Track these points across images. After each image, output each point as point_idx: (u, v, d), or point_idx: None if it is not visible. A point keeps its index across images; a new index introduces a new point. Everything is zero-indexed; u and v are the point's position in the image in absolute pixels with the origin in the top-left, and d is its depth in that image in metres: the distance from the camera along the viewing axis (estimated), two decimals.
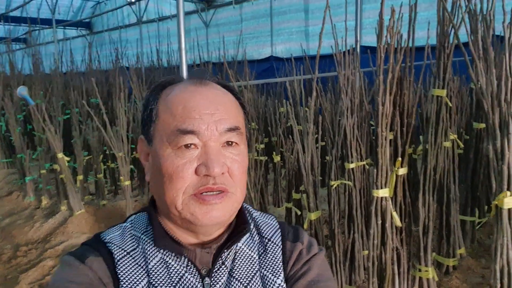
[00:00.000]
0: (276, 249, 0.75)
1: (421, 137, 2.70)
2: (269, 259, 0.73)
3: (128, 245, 0.69)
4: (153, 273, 0.66)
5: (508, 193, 1.49)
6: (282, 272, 0.73)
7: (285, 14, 8.00)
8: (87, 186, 4.53)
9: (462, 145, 2.78)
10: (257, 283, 0.70)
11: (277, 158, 3.73)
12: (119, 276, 0.66)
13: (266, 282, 0.71)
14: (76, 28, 13.10)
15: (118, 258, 0.67)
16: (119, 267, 0.66)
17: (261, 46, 8.55)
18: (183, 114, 0.67)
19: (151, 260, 0.67)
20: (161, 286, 0.66)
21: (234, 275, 0.69)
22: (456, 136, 2.74)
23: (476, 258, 2.71)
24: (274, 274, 0.72)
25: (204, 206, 0.65)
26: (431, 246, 2.40)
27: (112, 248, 0.69)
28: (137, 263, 0.67)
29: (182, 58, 2.36)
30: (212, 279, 0.67)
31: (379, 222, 1.79)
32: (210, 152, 0.66)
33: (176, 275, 0.67)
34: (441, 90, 2.24)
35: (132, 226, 0.73)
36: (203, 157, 0.65)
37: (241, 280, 0.69)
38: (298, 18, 7.71)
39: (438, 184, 2.52)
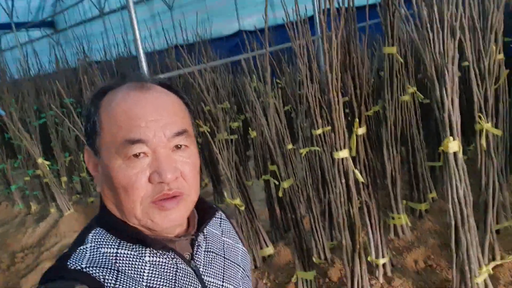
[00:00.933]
0: (229, 225, 0.91)
1: None
2: (228, 233, 0.89)
3: (113, 264, 0.66)
4: (152, 279, 0.67)
5: (451, 138, 1.62)
6: (239, 240, 0.91)
7: None
8: (73, 186, 4.61)
9: (422, 97, 2.90)
10: (227, 251, 0.84)
11: (253, 134, 3.83)
12: None
13: (232, 248, 0.86)
14: (39, 28, 12.78)
15: (112, 281, 0.64)
16: None
17: (228, 22, 8.48)
18: (128, 124, 0.66)
19: (144, 268, 0.68)
20: (163, 285, 0.68)
21: (208, 250, 0.79)
22: (415, 89, 2.85)
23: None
24: (236, 242, 0.89)
25: (163, 212, 0.67)
26: (400, 195, 2.57)
27: (98, 272, 0.64)
28: (132, 278, 0.66)
29: (138, 48, 2.41)
30: (195, 261, 0.75)
31: (343, 181, 1.92)
32: (160, 159, 0.66)
33: (171, 270, 0.70)
34: (391, 47, 2.34)
35: (97, 245, 0.68)
36: (154, 164, 0.66)
37: (215, 252, 0.80)
38: None
39: (402, 136, 2.66)
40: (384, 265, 2.27)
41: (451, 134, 1.63)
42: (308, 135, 2.87)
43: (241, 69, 4.82)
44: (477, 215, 2.11)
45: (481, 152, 2.04)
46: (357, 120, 2.08)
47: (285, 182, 2.25)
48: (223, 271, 0.79)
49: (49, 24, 12.76)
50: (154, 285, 0.67)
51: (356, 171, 1.95)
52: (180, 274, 0.71)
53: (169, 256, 0.71)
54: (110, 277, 0.64)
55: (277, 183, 2.79)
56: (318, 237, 2.52)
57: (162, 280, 0.68)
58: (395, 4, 2.22)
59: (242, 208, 2.54)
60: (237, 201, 2.54)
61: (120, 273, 0.65)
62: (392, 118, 2.40)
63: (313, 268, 2.35)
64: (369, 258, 2.24)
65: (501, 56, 2.56)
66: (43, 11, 12.25)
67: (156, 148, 0.66)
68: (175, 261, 0.71)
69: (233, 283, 0.80)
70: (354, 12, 2.02)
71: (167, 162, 0.66)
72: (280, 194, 2.26)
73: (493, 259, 2.11)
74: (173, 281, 0.69)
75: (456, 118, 1.67)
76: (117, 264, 0.66)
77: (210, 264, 0.77)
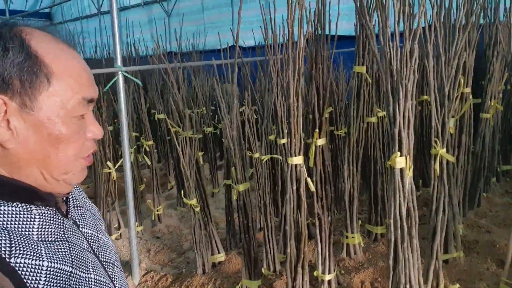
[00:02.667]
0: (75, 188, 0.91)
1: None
2: (78, 194, 0.88)
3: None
4: (42, 232, 0.66)
5: (399, 153, 1.63)
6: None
7: (245, 3, 8.07)
8: None
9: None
10: (87, 205, 0.87)
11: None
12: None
13: (88, 205, 0.89)
14: (36, 19, 12.73)
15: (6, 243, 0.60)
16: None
17: (222, 35, 8.58)
18: (87, 82, 0.68)
19: (34, 221, 0.66)
20: (54, 236, 0.68)
21: (77, 205, 0.82)
22: (384, 113, 2.89)
23: None
24: (86, 199, 0.91)
25: (86, 167, 0.72)
26: (356, 214, 2.56)
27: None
28: (23, 235, 0.63)
29: (116, 50, 2.42)
30: (69, 215, 0.77)
31: (294, 187, 1.91)
32: (92, 118, 0.71)
33: (59, 221, 0.70)
34: (361, 66, 2.38)
35: None
36: (90, 122, 0.70)
37: (82, 206, 0.83)
38: (257, 7, 7.77)
39: (365, 157, 2.68)
40: (329, 281, 2.24)
41: (400, 150, 1.64)
42: (272, 143, 2.88)
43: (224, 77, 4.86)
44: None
45: (434, 178, 2.06)
46: (317, 130, 2.08)
47: (240, 185, 2.23)
48: (94, 223, 0.83)
49: (46, 16, 12.73)
50: (46, 238, 0.66)
51: (308, 180, 1.94)
52: (67, 226, 0.71)
53: (53, 211, 0.70)
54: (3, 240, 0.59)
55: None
56: (269, 247, 2.49)
57: (52, 231, 0.67)
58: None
59: (197, 209, 2.51)
60: (193, 201, 2.50)
61: (11, 232, 0.61)
62: (356, 136, 2.42)
63: (259, 278, 2.31)
64: (315, 273, 2.22)
65: (468, 89, 2.62)
66: (42, 2, 12.23)
67: (90, 108, 0.71)
68: (59, 215, 0.71)
69: (104, 234, 0.85)
70: (324, 25, 2.06)
71: (96, 121, 0.72)
72: (234, 197, 2.24)
73: (437, 286, 2.10)
74: (62, 232, 0.69)
75: (409, 136, 1.68)
76: (5, 223, 0.62)
77: (82, 217, 0.80)
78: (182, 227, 3.37)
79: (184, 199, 2.51)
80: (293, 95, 1.81)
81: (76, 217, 0.78)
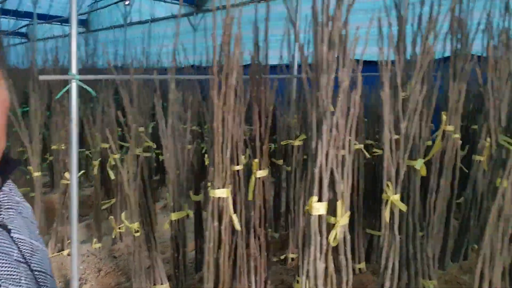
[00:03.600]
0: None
1: None
2: (13, 193, 0.79)
3: None
4: None
5: (316, 198, 1.38)
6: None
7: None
8: None
9: (367, 155, 2.66)
10: (20, 208, 0.76)
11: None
12: None
13: (22, 206, 0.77)
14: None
15: None
16: None
17: (246, 52, 8.50)
18: None
19: None
20: None
21: (8, 207, 0.72)
22: (362, 146, 2.63)
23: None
24: (20, 197, 0.80)
25: None
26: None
27: None
28: None
29: (72, 58, 2.31)
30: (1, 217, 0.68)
31: (215, 224, 1.68)
32: None
33: None
34: None
35: None
36: None
37: (13, 207, 0.73)
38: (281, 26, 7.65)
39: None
40: None
41: (320, 193, 1.39)
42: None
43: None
44: None
45: (385, 226, 1.77)
46: (256, 160, 1.86)
47: (173, 214, 2.02)
48: (27, 226, 0.73)
49: (82, 23, 13.18)
50: None
51: (234, 216, 1.71)
52: None
53: None
54: None
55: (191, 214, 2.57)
56: (208, 277, 2.25)
57: None
58: None
59: (137, 234, 2.31)
60: (135, 224, 2.31)
61: None
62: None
63: None
64: None
65: (451, 127, 2.32)
66: (80, 9, 12.65)
67: None
68: None
69: (38, 239, 0.75)
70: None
71: None
72: (165, 227, 2.03)
73: None
74: None
75: (338, 179, 1.43)
76: None
77: (14, 220, 0.70)
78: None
79: (125, 222, 2.33)
80: (217, 118, 1.60)
81: (8, 220, 0.69)
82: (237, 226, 1.72)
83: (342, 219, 1.47)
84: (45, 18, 12.21)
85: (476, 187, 2.62)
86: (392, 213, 1.75)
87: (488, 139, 2.60)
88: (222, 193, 1.67)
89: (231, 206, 1.69)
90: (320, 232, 1.39)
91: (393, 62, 1.72)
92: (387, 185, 1.73)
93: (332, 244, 1.48)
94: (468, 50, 2.16)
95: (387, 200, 1.74)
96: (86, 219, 3.68)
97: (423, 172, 2.10)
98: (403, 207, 1.70)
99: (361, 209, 2.65)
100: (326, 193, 1.38)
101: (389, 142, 1.70)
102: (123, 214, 2.33)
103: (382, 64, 1.63)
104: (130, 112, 2.42)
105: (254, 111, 1.82)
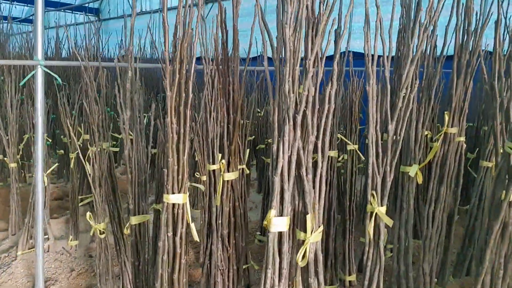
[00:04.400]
0: None
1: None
2: None
3: None
4: None
5: (274, 211, 1.14)
6: None
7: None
8: None
9: (362, 157, 2.42)
10: None
11: None
12: None
13: None
14: (83, 12, 13.07)
15: None
16: None
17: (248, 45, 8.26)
18: None
19: None
20: None
21: None
22: (356, 147, 2.39)
23: None
24: None
25: None
26: None
27: None
28: None
29: (37, 43, 2.11)
30: None
31: (170, 234, 1.46)
32: None
33: None
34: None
35: None
36: None
37: None
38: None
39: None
40: None
41: (281, 206, 1.16)
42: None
43: None
44: None
45: (369, 243, 1.54)
46: (223, 162, 1.63)
47: (133, 217, 1.82)
48: None
49: (94, 11, 13.05)
50: None
51: (192, 225, 1.49)
52: None
53: None
54: None
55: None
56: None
57: None
58: None
59: (102, 236, 2.11)
60: (101, 225, 2.11)
61: None
62: None
63: None
64: None
65: (454, 130, 2.05)
66: None
67: None
68: None
69: None
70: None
71: None
72: (126, 232, 1.83)
73: None
74: None
75: (308, 189, 1.20)
76: None
77: None
78: None
79: (90, 221, 2.14)
80: (170, 113, 1.38)
81: None
82: (196, 237, 1.50)
83: (313, 235, 1.24)
84: (56, 5, 12.14)
85: (483, 196, 2.35)
86: (378, 227, 1.52)
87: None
88: (177, 199, 1.45)
89: (189, 214, 1.47)
90: (280, 253, 1.16)
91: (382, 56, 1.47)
92: (372, 195, 1.49)
93: (300, 264, 1.26)
94: (475, 42, 1.88)
95: (371, 213, 1.51)
96: (68, 214, 3.52)
97: (419, 180, 1.85)
98: (389, 222, 1.46)
99: (353, 217, 2.41)
100: (288, 206, 1.15)
101: (375, 144, 1.46)
102: (87, 213, 2.14)
103: (368, 56, 1.38)
104: (91, 97, 2.21)
105: (220, 107, 1.59)
